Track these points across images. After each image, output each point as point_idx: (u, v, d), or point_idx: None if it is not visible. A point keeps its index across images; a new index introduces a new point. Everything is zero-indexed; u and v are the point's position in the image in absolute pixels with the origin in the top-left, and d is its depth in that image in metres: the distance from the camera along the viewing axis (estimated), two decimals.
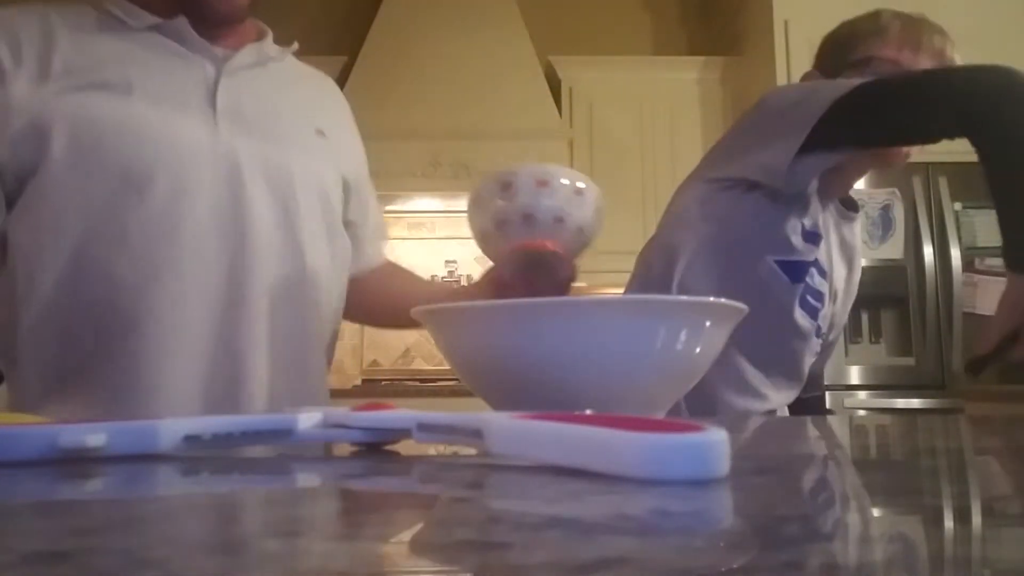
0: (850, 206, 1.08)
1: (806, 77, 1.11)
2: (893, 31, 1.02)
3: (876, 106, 0.86)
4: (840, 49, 1.06)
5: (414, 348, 3.19)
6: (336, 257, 0.85)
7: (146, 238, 0.71)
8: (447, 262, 3.28)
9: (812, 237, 0.95)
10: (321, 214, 0.81)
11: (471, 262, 3.29)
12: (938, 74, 0.88)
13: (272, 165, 0.77)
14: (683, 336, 0.47)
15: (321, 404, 0.77)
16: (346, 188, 0.88)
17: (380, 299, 0.95)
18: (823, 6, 2.21)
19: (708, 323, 0.49)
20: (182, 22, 0.77)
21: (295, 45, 0.90)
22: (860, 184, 2.92)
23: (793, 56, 2.86)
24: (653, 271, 0.99)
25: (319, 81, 0.93)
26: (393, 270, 1.00)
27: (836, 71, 1.04)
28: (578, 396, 0.45)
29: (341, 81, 3.32)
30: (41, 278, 0.71)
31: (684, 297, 0.47)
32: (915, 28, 1.03)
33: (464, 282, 3.33)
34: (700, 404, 0.92)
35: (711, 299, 0.49)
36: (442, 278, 3.29)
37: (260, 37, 0.85)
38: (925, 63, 0.99)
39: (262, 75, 0.82)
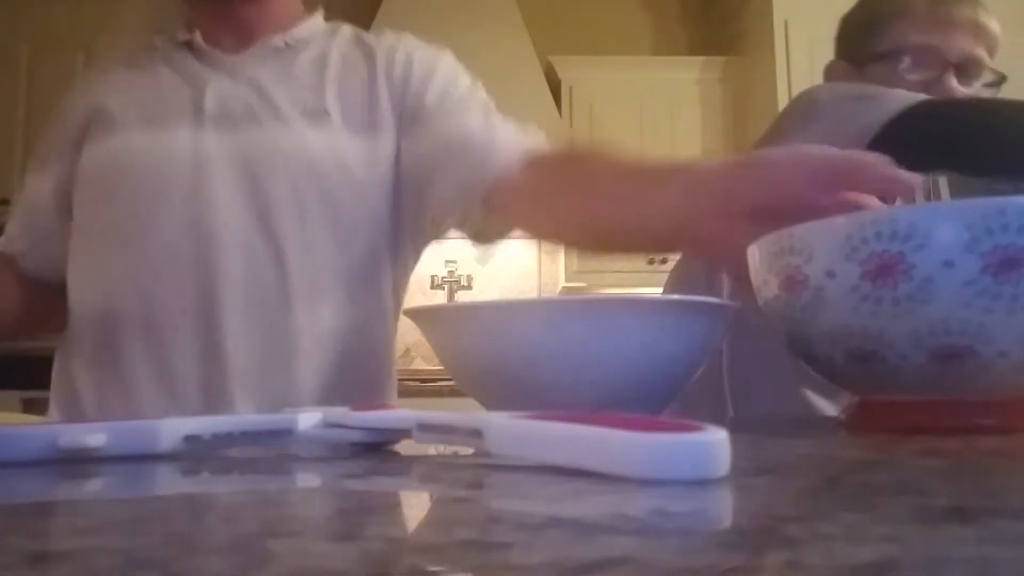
0: None
1: (830, 69, 1.02)
2: (920, 10, 0.91)
3: (943, 136, 0.79)
4: (863, 36, 0.97)
5: (414, 348, 3.19)
6: (353, 248, 0.78)
7: (126, 245, 0.75)
8: (447, 262, 3.28)
9: None
10: (318, 205, 0.76)
11: (471, 262, 3.29)
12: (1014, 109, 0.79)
13: (245, 159, 0.75)
14: (678, 336, 0.47)
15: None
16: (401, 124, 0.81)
17: (550, 209, 0.72)
18: (823, 6, 2.21)
19: (705, 322, 0.49)
20: (196, 38, 0.81)
21: (318, 16, 0.86)
22: None
23: (793, 56, 2.86)
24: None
25: (354, 47, 0.85)
26: (556, 165, 0.74)
27: (861, 62, 0.95)
28: (571, 397, 0.45)
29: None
30: (71, 286, 0.81)
31: (677, 296, 0.47)
32: (942, 1, 0.92)
33: (464, 282, 3.33)
34: (784, 403, 0.87)
35: (705, 299, 0.49)
36: (442, 278, 3.29)
37: (291, 22, 0.83)
38: (960, 41, 0.90)
39: (262, 68, 0.80)
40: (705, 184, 0.54)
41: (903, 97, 0.82)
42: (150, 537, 0.17)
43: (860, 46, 0.97)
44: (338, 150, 0.78)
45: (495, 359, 0.47)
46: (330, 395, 0.75)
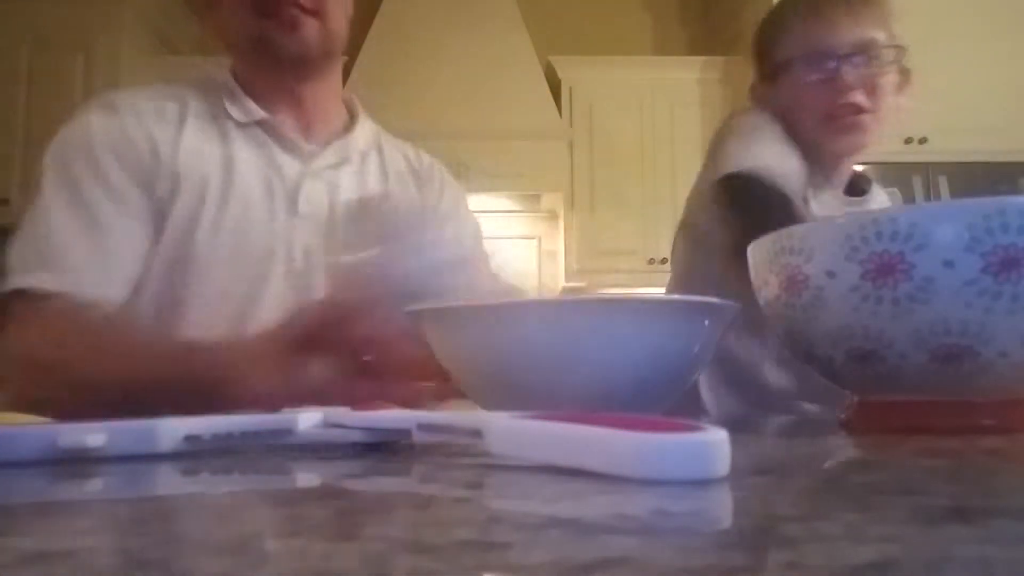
0: (855, 191, 1.07)
1: (749, 91, 1.14)
2: (796, 24, 1.02)
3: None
4: (763, 56, 1.09)
5: None
6: None
7: (226, 317, 0.77)
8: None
9: None
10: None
11: None
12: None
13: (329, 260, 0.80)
14: (678, 336, 0.47)
15: None
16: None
17: None
18: None
19: (705, 322, 0.49)
20: (283, 121, 0.83)
21: (382, 133, 0.93)
22: None
23: None
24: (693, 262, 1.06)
25: (405, 177, 0.92)
26: None
27: (771, 75, 1.06)
28: (571, 397, 0.45)
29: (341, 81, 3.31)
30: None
31: (677, 296, 0.47)
32: (814, 6, 1.01)
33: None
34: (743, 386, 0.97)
35: (705, 299, 0.49)
36: None
37: (349, 124, 0.89)
38: (841, 35, 0.98)
39: (347, 172, 0.86)
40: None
41: (731, 162, 0.95)
42: (150, 537, 0.17)
43: (765, 64, 1.08)
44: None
45: (495, 359, 0.47)
46: None
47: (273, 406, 0.48)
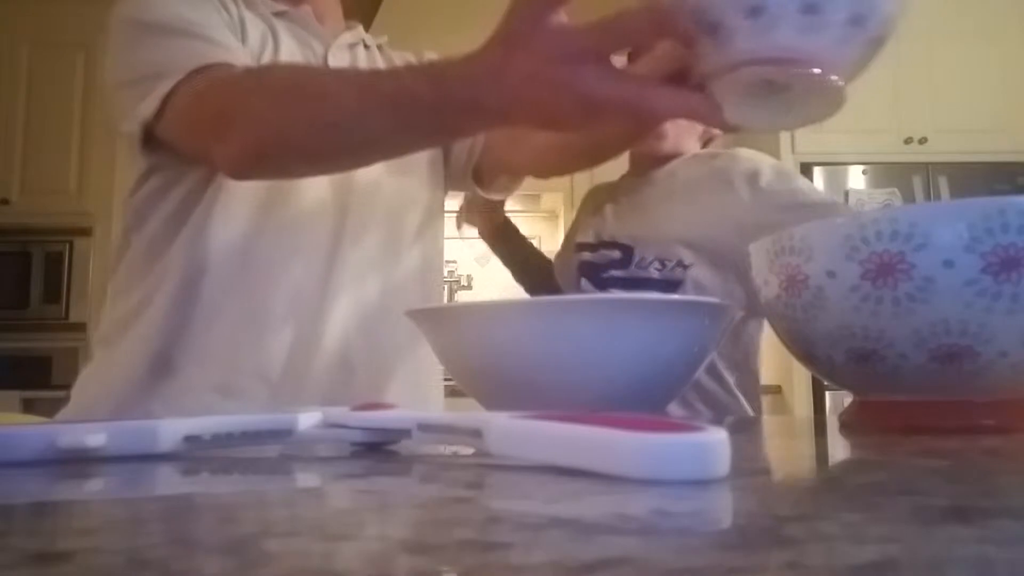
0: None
1: None
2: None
3: None
4: None
5: None
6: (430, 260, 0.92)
7: (255, 218, 0.77)
8: (447, 262, 3.28)
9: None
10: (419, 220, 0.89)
11: (471, 262, 3.29)
12: None
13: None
14: (678, 335, 0.47)
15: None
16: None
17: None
18: None
19: (705, 322, 0.49)
20: (307, 11, 0.89)
21: (385, 38, 1.01)
22: (860, 184, 2.90)
23: None
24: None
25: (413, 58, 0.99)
26: None
27: None
28: (571, 397, 0.45)
29: None
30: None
31: (677, 296, 0.47)
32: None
33: (464, 282, 3.33)
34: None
35: (705, 299, 0.49)
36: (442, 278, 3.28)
37: (351, 27, 0.97)
38: None
39: (361, 55, 0.94)
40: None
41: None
42: (150, 537, 0.17)
43: None
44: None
45: (495, 359, 0.47)
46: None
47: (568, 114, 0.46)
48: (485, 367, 0.48)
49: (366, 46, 0.97)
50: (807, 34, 0.38)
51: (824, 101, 0.41)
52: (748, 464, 0.32)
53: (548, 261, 1.42)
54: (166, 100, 0.68)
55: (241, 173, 0.66)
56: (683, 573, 0.13)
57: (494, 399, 0.49)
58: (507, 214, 1.48)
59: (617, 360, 0.46)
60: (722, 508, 0.21)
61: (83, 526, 0.19)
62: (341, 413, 0.36)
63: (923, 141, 2.74)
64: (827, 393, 2.76)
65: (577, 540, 0.16)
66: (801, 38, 0.38)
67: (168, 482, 0.28)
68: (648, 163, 1.13)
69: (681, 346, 0.48)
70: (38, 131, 3.07)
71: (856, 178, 2.72)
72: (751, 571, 0.13)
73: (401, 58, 1.00)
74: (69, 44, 3.12)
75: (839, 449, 0.38)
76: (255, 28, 0.83)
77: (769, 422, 0.61)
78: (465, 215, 1.42)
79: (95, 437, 0.31)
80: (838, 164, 2.72)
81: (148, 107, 0.69)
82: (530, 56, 0.47)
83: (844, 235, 0.39)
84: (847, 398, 0.49)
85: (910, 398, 0.42)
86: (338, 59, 0.89)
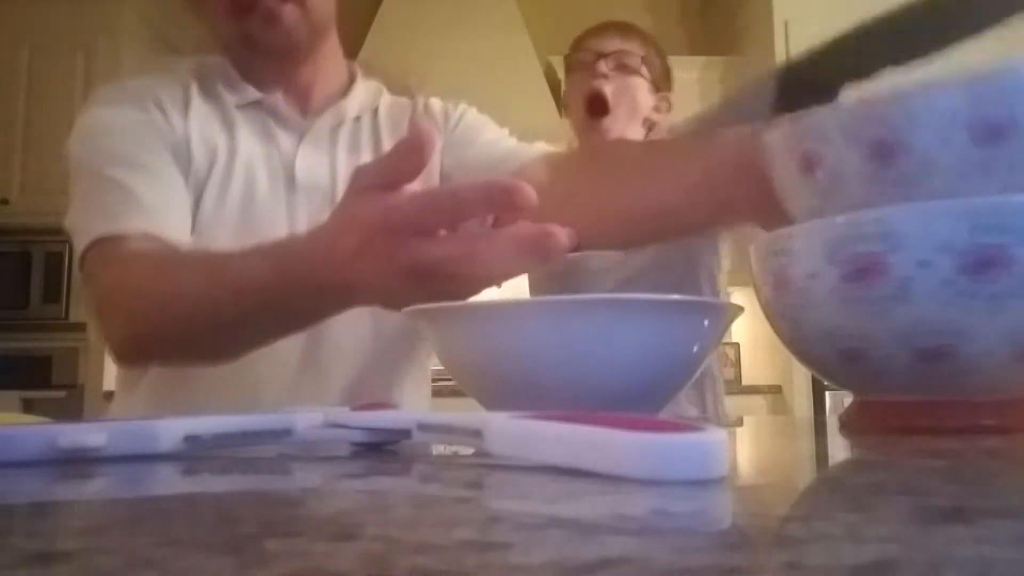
0: None
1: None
2: (575, 71, 1.38)
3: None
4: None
5: None
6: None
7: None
8: None
9: None
10: None
11: None
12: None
13: None
14: (678, 335, 0.47)
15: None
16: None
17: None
18: (823, 6, 2.21)
19: (704, 322, 0.49)
20: (278, 99, 0.82)
21: (383, 93, 0.91)
22: None
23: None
24: None
25: (407, 113, 0.90)
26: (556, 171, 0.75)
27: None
28: (571, 397, 0.45)
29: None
30: None
31: (677, 296, 0.47)
32: (578, 49, 1.39)
33: None
34: None
35: (705, 299, 0.49)
36: None
37: (347, 87, 0.87)
38: (608, 42, 1.35)
39: (344, 138, 0.85)
40: (736, 154, 0.53)
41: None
42: (150, 537, 0.17)
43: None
44: None
45: (495, 359, 0.47)
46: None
47: (394, 295, 0.46)
48: (485, 367, 0.48)
49: (358, 118, 0.88)
50: None
51: None
52: (748, 464, 0.33)
53: None
54: (81, 258, 0.72)
55: (128, 365, 0.71)
56: (683, 573, 0.13)
57: (494, 399, 0.49)
58: None
59: (617, 360, 0.46)
60: (722, 508, 0.21)
61: (83, 526, 0.19)
62: (341, 413, 0.36)
63: None
64: (827, 393, 2.76)
65: (577, 540, 0.16)
66: None
67: (168, 482, 0.28)
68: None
69: (682, 346, 0.48)
70: (38, 131, 3.07)
71: None
72: (751, 571, 0.13)
73: (398, 108, 0.92)
74: (69, 44, 3.12)
75: (839, 449, 0.38)
76: (209, 133, 0.80)
77: (769, 422, 0.61)
78: None
79: (95, 437, 0.31)
80: None
81: (77, 253, 0.73)
82: (358, 231, 0.47)
83: (824, 237, 0.40)
84: (847, 398, 0.49)
85: (908, 398, 0.42)
86: (312, 152, 0.83)
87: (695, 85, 3.27)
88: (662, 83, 1.38)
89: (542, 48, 3.17)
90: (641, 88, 1.33)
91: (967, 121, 0.38)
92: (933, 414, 0.41)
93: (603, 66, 1.31)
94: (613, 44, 1.34)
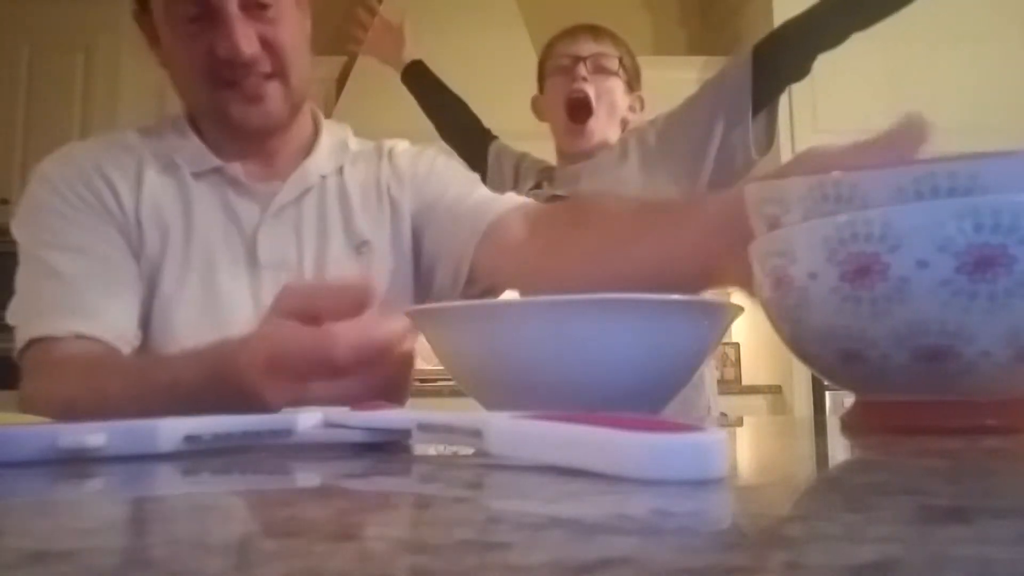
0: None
1: (533, 101, 1.60)
2: (552, 76, 1.44)
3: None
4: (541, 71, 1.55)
5: None
6: None
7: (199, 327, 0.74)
8: None
9: None
10: None
11: None
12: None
13: None
14: (679, 335, 0.47)
15: None
16: (419, 244, 0.82)
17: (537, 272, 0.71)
18: None
19: (705, 322, 0.49)
20: (236, 168, 0.77)
21: (349, 140, 0.85)
22: None
23: None
24: None
25: (374, 163, 0.84)
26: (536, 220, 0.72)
27: (540, 88, 1.49)
28: (571, 397, 0.45)
29: (341, 81, 3.32)
30: None
31: (677, 296, 0.47)
32: (551, 55, 1.47)
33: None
34: None
35: (706, 298, 0.49)
36: None
37: (312, 141, 0.81)
38: (583, 46, 1.40)
39: (310, 205, 0.80)
40: (725, 217, 0.52)
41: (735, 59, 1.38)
42: (150, 537, 0.17)
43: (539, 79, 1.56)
44: (383, 274, 0.79)
45: (495, 359, 0.47)
46: None
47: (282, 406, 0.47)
48: (485, 367, 0.48)
49: (324, 179, 0.81)
50: None
51: None
52: (748, 464, 0.33)
53: (467, 109, 1.69)
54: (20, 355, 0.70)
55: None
56: (683, 573, 0.13)
57: (494, 399, 0.49)
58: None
59: (617, 360, 0.46)
60: (722, 508, 0.21)
61: (83, 526, 0.19)
62: (341, 413, 0.36)
63: None
64: (827, 393, 2.76)
65: (577, 540, 0.16)
66: None
67: (168, 482, 0.28)
68: (576, 157, 1.30)
69: (683, 345, 0.48)
70: (38, 131, 3.07)
71: None
72: (751, 571, 0.13)
73: (362, 162, 0.85)
74: (69, 44, 3.12)
75: (839, 449, 0.38)
76: (163, 210, 0.75)
77: (769, 422, 0.61)
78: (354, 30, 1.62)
79: (95, 437, 0.31)
80: None
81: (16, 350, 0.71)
82: (259, 328, 0.51)
83: (823, 236, 0.40)
84: (847, 398, 0.49)
85: (909, 398, 0.42)
86: (276, 226, 0.77)
87: (695, 85, 3.26)
88: (635, 83, 1.44)
89: (541, 46, 3.17)
90: (618, 89, 1.38)
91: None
92: (935, 414, 0.41)
93: (582, 69, 1.35)
94: (588, 47, 1.39)
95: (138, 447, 0.32)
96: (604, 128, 1.33)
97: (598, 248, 0.64)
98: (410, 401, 0.69)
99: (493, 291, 0.78)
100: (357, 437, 0.35)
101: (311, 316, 0.47)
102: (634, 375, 0.47)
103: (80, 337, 0.69)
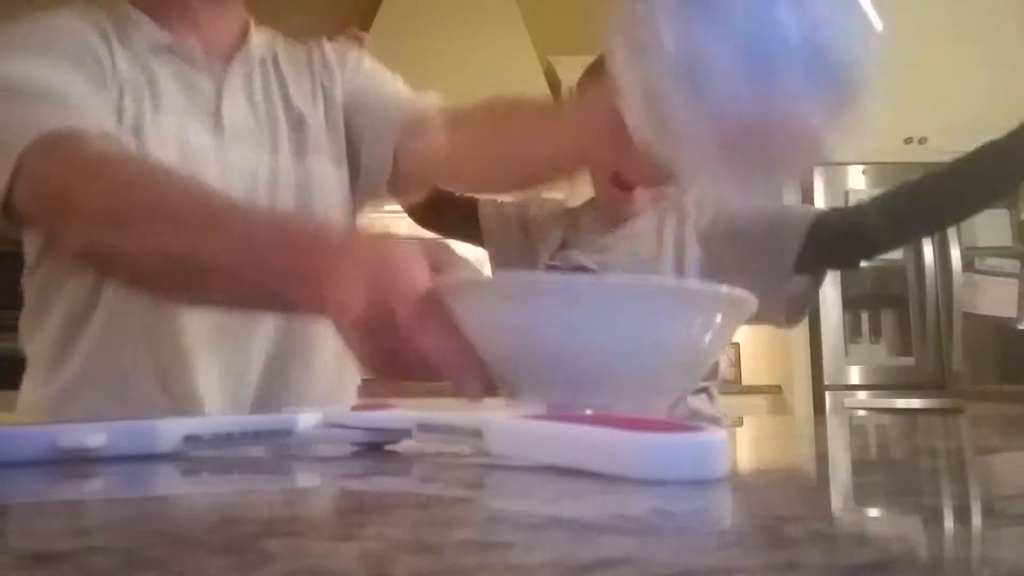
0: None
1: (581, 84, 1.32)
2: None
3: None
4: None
5: None
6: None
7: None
8: None
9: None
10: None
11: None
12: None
13: (254, 171, 0.80)
14: (712, 325, 0.47)
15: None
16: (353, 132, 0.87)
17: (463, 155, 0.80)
18: None
19: (722, 313, 0.48)
20: (193, 45, 0.80)
21: (278, 39, 0.89)
22: (860, 184, 2.90)
23: None
24: None
25: (304, 55, 0.91)
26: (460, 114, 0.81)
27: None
28: (592, 378, 0.44)
29: None
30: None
31: (693, 284, 0.46)
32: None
33: None
34: None
35: (728, 289, 0.48)
36: None
37: (244, 34, 0.86)
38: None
39: (256, 83, 0.85)
40: (591, 116, 0.62)
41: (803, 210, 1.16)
42: (150, 537, 0.17)
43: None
44: (320, 150, 0.85)
45: (525, 338, 0.46)
46: (281, 366, 0.76)
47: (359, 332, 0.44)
48: (513, 346, 0.47)
49: (263, 62, 0.86)
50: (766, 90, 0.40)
51: (802, 155, 0.42)
52: (748, 464, 0.33)
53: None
54: (15, 174, 0.62)
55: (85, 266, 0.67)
56: (683, 573, 0.13)
57: (523, 382, 0.48)
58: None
59: (654, 346, 0.45)
60: (722, 508, 0.21)
61: (83, 526, 0.19)
62: (341, 413, 0.36)
63: (923, 141, 2.74)
64: (827, 393, 2.76)
65: (577, 540, 0.16)
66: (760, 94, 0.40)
67: (168, 482, 0.28)
68: (617, 218, 1.20)
69: (715, 334, 0.47)
70: None
71: (856, 178, 2.72)
72: (751, 571, 0.13)
73: (296, 50, 0.90)
74: None
75: (838, 450, 0.38)
76: (133, 76, 0.76)
77: (769, 422, 0.61)
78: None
79: (95, 437, 0.31)
80: (837, 164, 2.71)
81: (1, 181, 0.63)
82: (379, 260, 0.44)
83: None
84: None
85: None
86: (235, 96, 0.81)
87: None
88: None
89: (542, 48, 3.17)
90: None
91: None
92: None
93: None
94: None
95: (138, 447, 0.32)
96: (647, 199, 1.21)
97: (507, 140, 0.77)
98: (410, 401, 0.69)
99: (418, 185, 0.88)
100: (357, 437, 0.35)
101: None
102: (667, 362, 0.46)
103: (107, 137, 0.65)
